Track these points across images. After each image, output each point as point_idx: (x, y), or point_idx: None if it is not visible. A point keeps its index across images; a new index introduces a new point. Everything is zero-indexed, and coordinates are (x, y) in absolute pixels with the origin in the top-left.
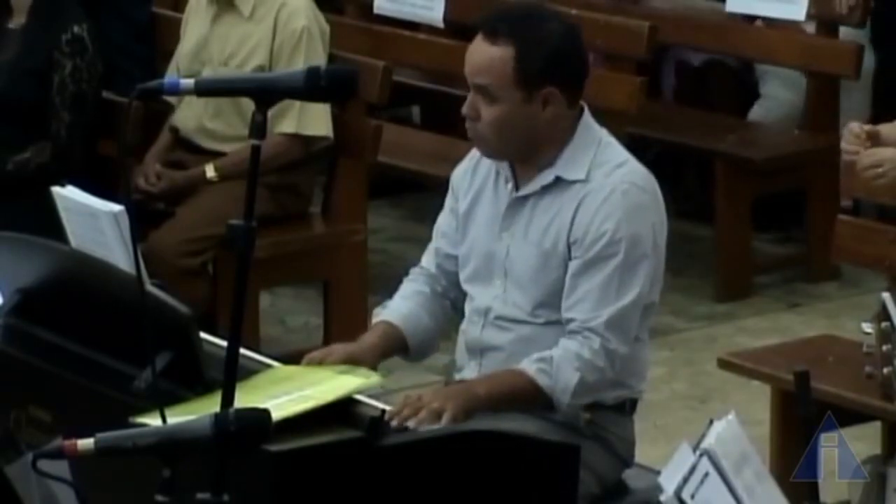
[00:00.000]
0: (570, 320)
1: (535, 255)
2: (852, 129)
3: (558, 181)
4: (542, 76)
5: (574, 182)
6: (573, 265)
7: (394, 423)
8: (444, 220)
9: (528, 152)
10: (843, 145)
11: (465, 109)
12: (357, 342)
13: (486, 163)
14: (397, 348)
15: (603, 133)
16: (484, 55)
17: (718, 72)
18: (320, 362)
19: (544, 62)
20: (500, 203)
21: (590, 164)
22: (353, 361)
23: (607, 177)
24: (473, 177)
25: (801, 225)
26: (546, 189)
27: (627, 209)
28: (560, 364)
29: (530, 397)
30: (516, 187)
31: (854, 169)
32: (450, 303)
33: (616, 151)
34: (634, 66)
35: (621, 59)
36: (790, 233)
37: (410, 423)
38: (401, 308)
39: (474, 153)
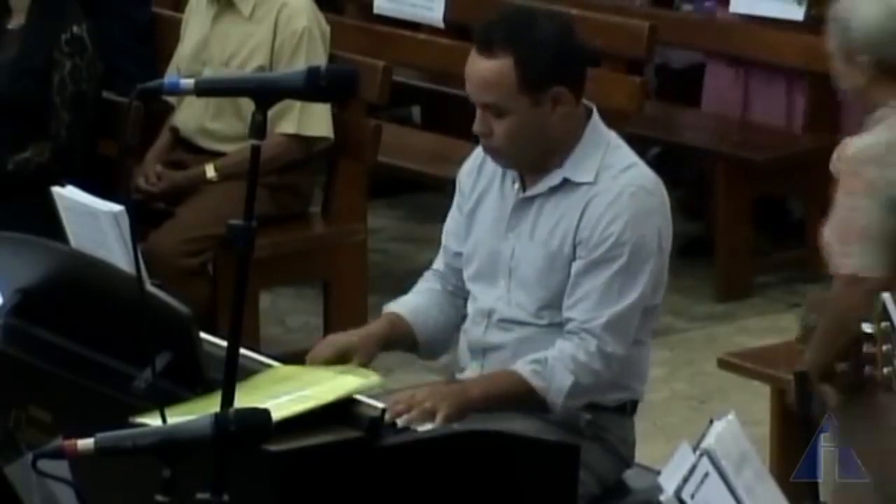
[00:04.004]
0: (570, 320)
1: (541, 255)
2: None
3: (566, 183)
4: (547, 78)
5: (582, 184)
6: (577, 265)
7: (387, 416)
8: (451, 219)
9: (544, 156)
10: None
11: (476, 128)
12: (358, 330)
13: (493, 162)
14: (404, 340)
15: (612, 136)
16: (483, 71)
17: (701, 75)
18: (324, 361)
19: (546, 63)
20: (507, 203)
21: (598, 166)
22: (350, 348)
23: (615, 179)
24: (479, 175)
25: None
26: (553, 190)
27: (634, 212)
28: (554, 366)
29: (524, 398)
30: (523, 188)
31: None
32: (462, 302)
33: (624, 154)
34: (625, 66)
35: (618, 60)
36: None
37: (400, 421)
38: (410, 302)
39: (479, 151)
